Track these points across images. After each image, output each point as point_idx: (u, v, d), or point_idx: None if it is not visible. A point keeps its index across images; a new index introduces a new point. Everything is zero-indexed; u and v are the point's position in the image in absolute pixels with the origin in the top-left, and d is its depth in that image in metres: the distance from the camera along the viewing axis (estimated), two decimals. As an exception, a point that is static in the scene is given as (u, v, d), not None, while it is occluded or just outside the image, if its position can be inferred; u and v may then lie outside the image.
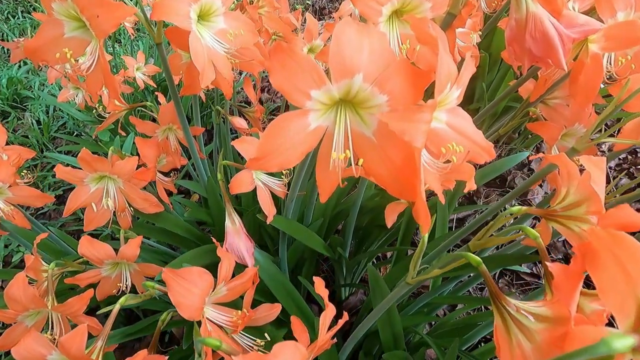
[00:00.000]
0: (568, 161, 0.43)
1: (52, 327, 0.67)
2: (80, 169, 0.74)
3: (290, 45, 0.31)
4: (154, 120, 1.02)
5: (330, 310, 0.40)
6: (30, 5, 3.14)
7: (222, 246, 0.63)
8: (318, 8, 2.85)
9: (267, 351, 0.61)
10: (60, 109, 2.33)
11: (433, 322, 1.08)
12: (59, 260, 1.03)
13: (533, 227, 0.45)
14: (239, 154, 0.96)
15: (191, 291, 0.43)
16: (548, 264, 0.33)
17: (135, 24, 2.29)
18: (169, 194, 1.17)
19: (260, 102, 2.44)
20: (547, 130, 0.62)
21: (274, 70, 0.32)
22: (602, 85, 0.57)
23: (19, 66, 2.65)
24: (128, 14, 0.45)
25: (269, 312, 0.62)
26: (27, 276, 0.76)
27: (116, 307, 0.47)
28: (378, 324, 0.68)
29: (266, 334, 0.58)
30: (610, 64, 0.58)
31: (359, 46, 0.32)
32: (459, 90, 0.37)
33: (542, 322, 0.35)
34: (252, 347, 0.58)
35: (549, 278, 0.39)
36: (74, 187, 0.79)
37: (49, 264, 1.04)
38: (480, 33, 0.79)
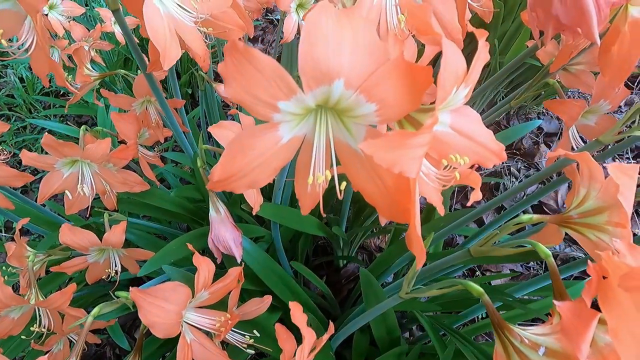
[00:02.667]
0: (591, 161, 0.37)
1: (41, 317, 0.66)
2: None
3: (248, 47, 0.23)
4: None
5: (308, 339, 0.36)
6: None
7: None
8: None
9: (258, 344, 0.60)
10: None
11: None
12: (54, 231, 1.01)
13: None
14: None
15: (164, 308, 0.40)
16: (556, 302, 0.28)
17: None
18: (157, 167, 1.12)
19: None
20: (567, 110, 0.54)
21: (229, 78, 0.24)
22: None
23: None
24: (60, -15, 0.36)
25: (259, 305, 0.59)
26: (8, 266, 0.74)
27: (89, 320, 0.45)
28: (371, 322, 0.66)
29: (255, 331, 0.56)
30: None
31: (339, 42, 0.24)
32: (468, 88, 0.29)
33: (548, 357, 0.31)
34: (242, 343, 0.56)
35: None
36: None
37: (42, 240, 1.02)
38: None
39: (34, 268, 0.69)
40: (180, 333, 0.45)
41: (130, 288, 0.39)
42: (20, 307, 0.64)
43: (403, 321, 0.98)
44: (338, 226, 0.87)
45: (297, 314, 0.38)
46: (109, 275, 0.77)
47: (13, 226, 1.71)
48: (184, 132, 0.86)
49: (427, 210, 0.84)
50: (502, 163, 1.38)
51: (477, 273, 1.18)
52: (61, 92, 2.17)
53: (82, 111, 1.79)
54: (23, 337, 0.64)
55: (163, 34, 0.44)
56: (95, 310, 0.45)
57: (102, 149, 0.64)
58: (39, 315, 0.66)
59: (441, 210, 0.36)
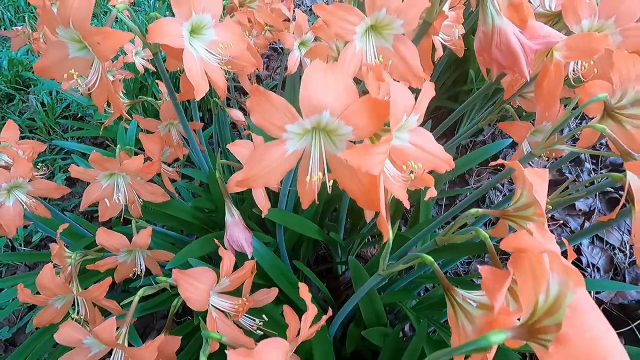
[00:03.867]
0: (521, 168, 0.49)
1: (78, 308, 0.77)
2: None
3: (265, 90, 0.36)
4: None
5: (311, 311, 0.47)
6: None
7: (222, 240, 0.71)
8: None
9: (267, 329, 0.70)
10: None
11: (422, 293, 1.17)
12: (76, 241, 1.13)
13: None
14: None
15: (198, 287, 0.51)
16: (479, 267, 0.39)
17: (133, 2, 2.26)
18: (174, 181, 1.24)
19: (260, 79, 2.45)
20: (516, 130, 0.67)
21: (253, 110, 0.37)
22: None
23: (19, 47, 2.66)
24: (125, 40, 0.50)
25: (267, 295, 0.70)
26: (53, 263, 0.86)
27: (135, 299, 0.56)
28: (361, 305, 0.76)
29: (264, 315, 0.67)
30: (577, 64, 0.62)
31: (326, 87, 0.37)
32: (418, 115, 0.42)
33: (481, 309, 0.42)
34: (252, 327, 0.67)
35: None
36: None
37: (69, 248, 1.14)
38: (463, 26, 0.81)
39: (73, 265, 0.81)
40: (207, 311, 0.56)
41: (173, 270, 0.50)
42: (64, 297, 0.75)
43: (396, 322, 1.07)
44: (336, 232, 0.98)
45: (304, 291, 0.48)
46: (134, 274, 0.88)
47: (32, 240, 1.83)
48: (200, 150, 0.99)
49: (414, 216, 0.96)
50: (489, 178, 1.49)
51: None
52: (78, 115, 2.33)
53: (103, 134, 1.94)
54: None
55: (197, 73, 0.57)
56: (140, 292, 0.56)
57: (136, 164, 0.77)
58: (77, 305, 0.77)
59: (406, 204, 0.47)
